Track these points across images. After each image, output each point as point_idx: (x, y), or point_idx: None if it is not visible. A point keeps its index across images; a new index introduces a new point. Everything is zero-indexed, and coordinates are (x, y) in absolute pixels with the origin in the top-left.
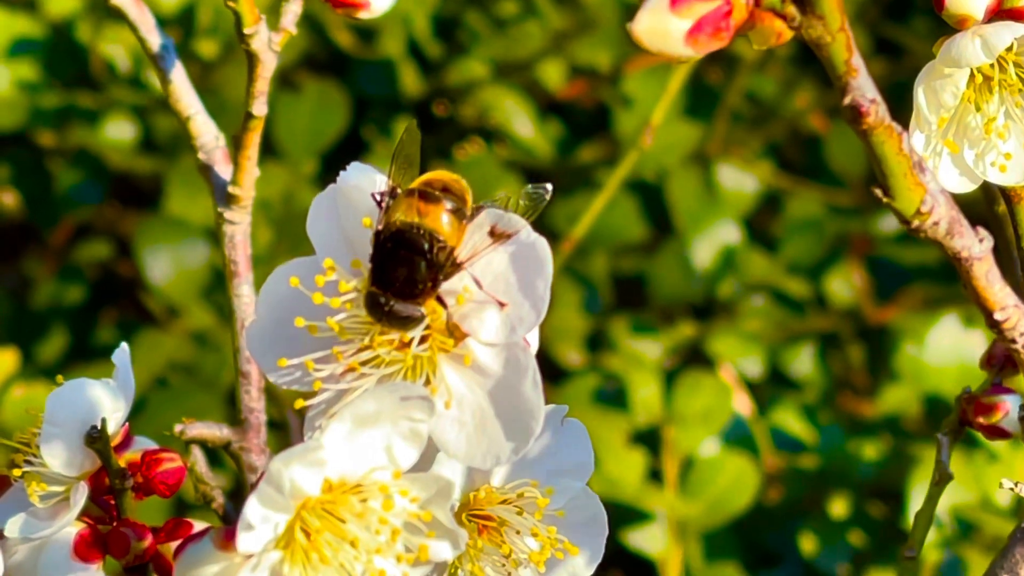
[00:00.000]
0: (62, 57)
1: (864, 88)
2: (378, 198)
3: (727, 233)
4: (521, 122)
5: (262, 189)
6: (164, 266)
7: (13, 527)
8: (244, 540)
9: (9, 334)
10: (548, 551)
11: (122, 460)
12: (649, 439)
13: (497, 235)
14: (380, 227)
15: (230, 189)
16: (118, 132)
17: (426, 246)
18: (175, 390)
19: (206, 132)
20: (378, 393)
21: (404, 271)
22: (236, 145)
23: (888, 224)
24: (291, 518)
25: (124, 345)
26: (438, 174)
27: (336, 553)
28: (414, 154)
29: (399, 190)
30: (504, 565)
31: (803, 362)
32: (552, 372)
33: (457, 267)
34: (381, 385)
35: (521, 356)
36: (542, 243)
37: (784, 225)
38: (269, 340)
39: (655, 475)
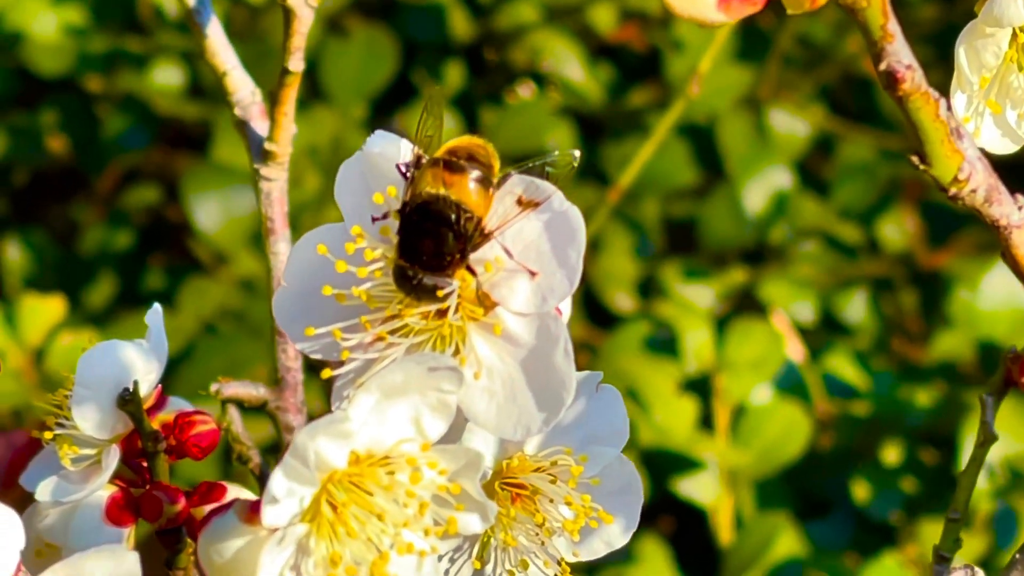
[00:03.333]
0: (110, 2)
1: (900, 53)
2: (403, 169)
3: (779, 178)
4: (572, 66)
5: (310, 134)
6: (212, 212)
7: (44, 490)
8: (269, 514)
9: (56, 281)
10: (582, 520)
11: (155, 422)
12: (700, 387)
13: (525, 203)
14: (406, 199)
15: (266, 145)
16: (166, 78)
17: (453, 217)
18: (223, 337)
19: (242, 87)
20: (406, 364)
21: (431, 244)
22: (273, 101)
23: None
24: (317, 491)
25: (157, 306)
26: (463, 141)
27: (363, 526)
28: (438, 121)
29: (423, 159)
30: (538, 534)
31: (855, 308)
32: (602, 318)
33: (485, 237)
34: (409, 355)
35: (552, 326)
36: (575, 212)
37: (836, 170)
38: (297, 308)
39: (706, 423)
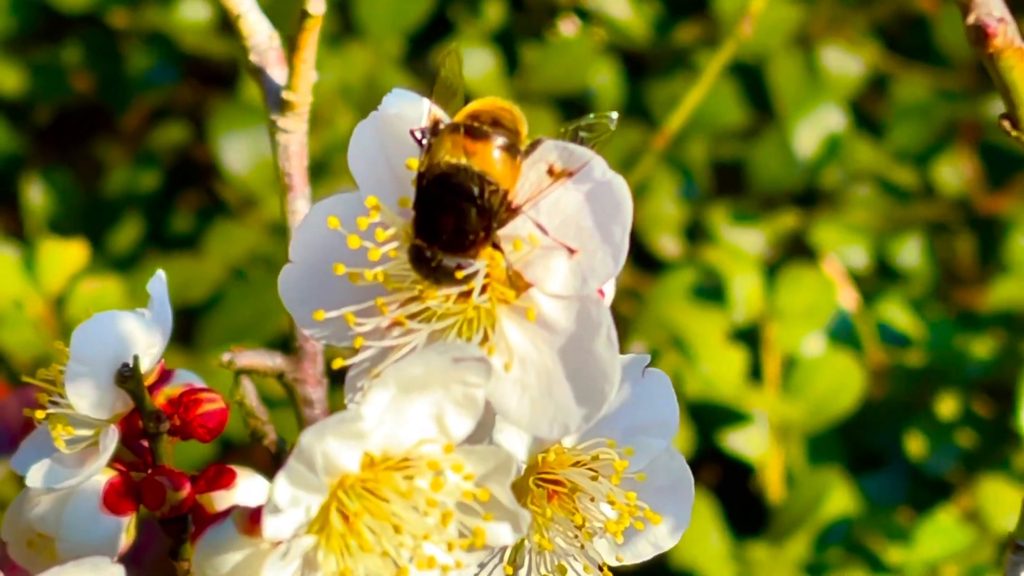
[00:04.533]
0: None
1: (991, 5)
2: (419, 135)
3: (831, 118)
4: (616, 2)
5: (343, 72)
6: (241, 153)
7: (36, 475)
8: (271, 524)
9: (79, 224)
10: (627, 520)
11: (160, 397)
12: (749, 336)
13: (558, 173)
14: (422, 169)
15: (284, 95)
16: (193, 13)
17: (475, 190)
18: (252, 284)
19: (258, 31)
20: (426, 354)
21: (451, 220)
22: (291, 46)
23: (1001, 109)
24: (326, 499)
25: (160, 273)
26: (486, 103)
27: (378, 539)
28: (458, 81)
29: (442, 125)
30: (577, 536)
31: (910, 253)
32: (647, 262)
33: (513, 212)
34: (430, 345)
35: (594, 310)
36: (619, 181)
37: (891, 110)
38: (305, 288)
39: (755, 374)
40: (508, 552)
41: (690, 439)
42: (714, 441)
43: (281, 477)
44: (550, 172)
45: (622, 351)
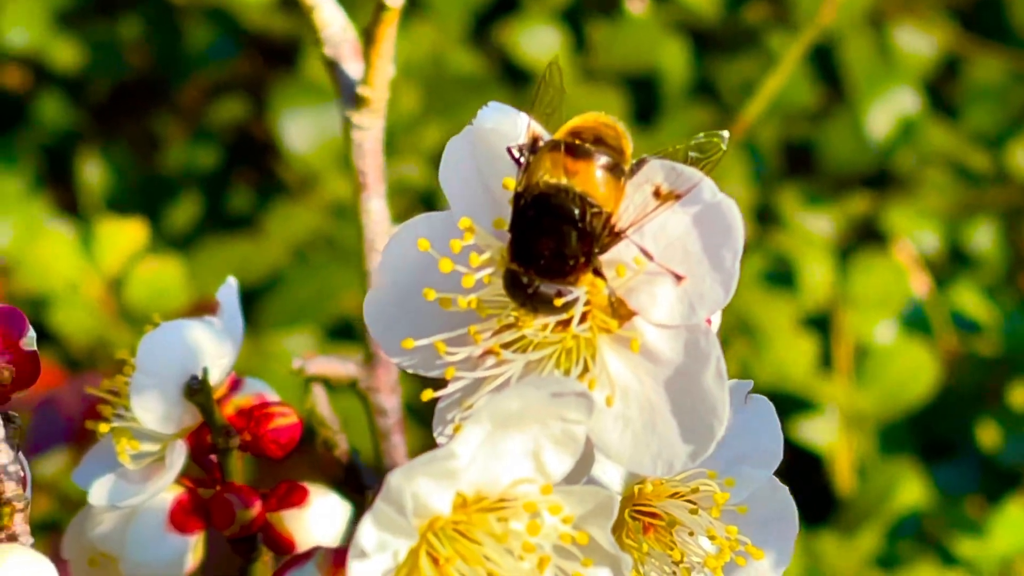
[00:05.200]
0: None
1: None
2: (516, 154)
3: (904, 100)
4: None
5: (408, 49)
6: (302, 131)
7: (100, 493)
8: (357, 570)
9: (136, 201)
10: (727, 555)
11: (230, 407)
12: (820, 323)
13: (665, 195)
14: (519, 190)
15: (360, 91)
16: None
17: (576, 212)
18: (313, 265)
19: (332, 23)
20: (523, 388)
21: (550, 244)
22: (367, 39)
23: None
24: (415, 543)
25: (231, 280)
26: (588, 119)
27: None
28: (558, 96)
29: (541, 142)
30: (674, 573)
31: (983, 239)
32: None
33: (616, 236)
34: (527, 378)
35: (703, 341)
36: (730, 204)
37: (964, 92)
38: (392, 313)
39: (826, 362)
40: None
41: None
42: (783, 429)
43: (367, 520)
44: (656, 194)
45: None
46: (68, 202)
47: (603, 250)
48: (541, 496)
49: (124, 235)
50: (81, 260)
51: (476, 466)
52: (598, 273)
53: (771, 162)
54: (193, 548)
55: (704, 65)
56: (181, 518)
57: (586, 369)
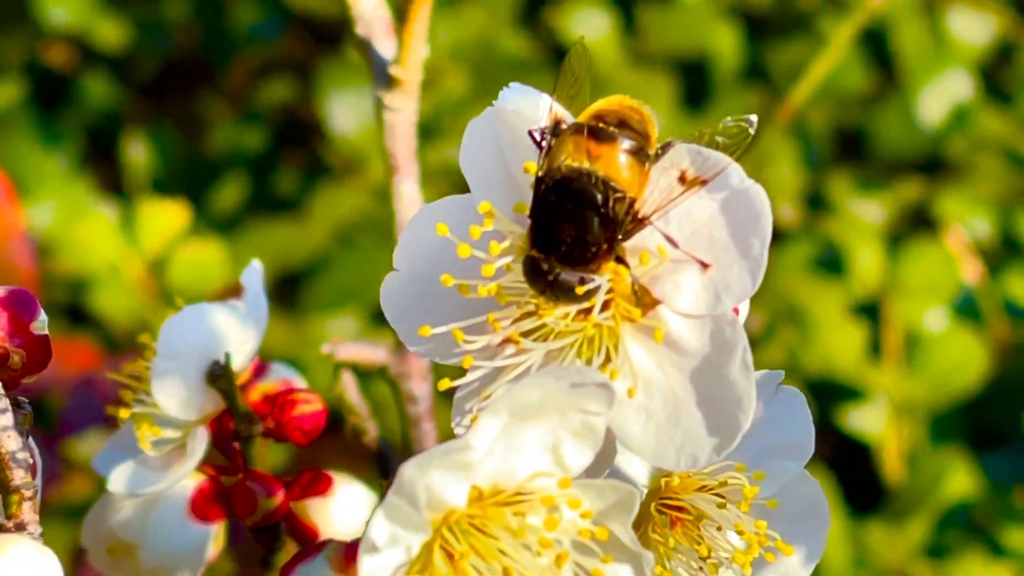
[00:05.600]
0: None
1: None
2: (537, 136)
3: (958, 85)
4: None
5: (456, 31)
6: (348, 115)
7: (119, 480)
8: (368, 565)
9: (180, 182)
10: (756, 550)
11: (256, 392)
12: (869, 311)
13: (691, 180)
14: (540, 174)
15: (392, 70)
16: None
17: (599, 197)
18: (358, 249)
19: (365, 0)
20: (542, 378)
21: (572, 230)
22: (400, 17)
23: None
24: (429, 537)
25: (256, 263)
26: (612, 102)
27: None
28: (583, 78)
29: (564, 125)
30: (701, 568)
31: None
32: None
33: (640, 222)
34: (546, 367)
35: (728, 331)
36: (758, 191)
37: (1020, 78)
38: (409, 299)
39: (875, 350)
40: None
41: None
42: (831, 418)
43: (379, 514)
44: (682, 179)
45: None
46: (112, 183)
47: (626, 237)
48: (559, 490)
49: (166, 217)
50: (122, 242)
51: (492, 458)
52: (621, 260)
53: (822, 147)
54: (214, 537)
55: (755, 49)
56: (202, 506)
57: (608, 359)
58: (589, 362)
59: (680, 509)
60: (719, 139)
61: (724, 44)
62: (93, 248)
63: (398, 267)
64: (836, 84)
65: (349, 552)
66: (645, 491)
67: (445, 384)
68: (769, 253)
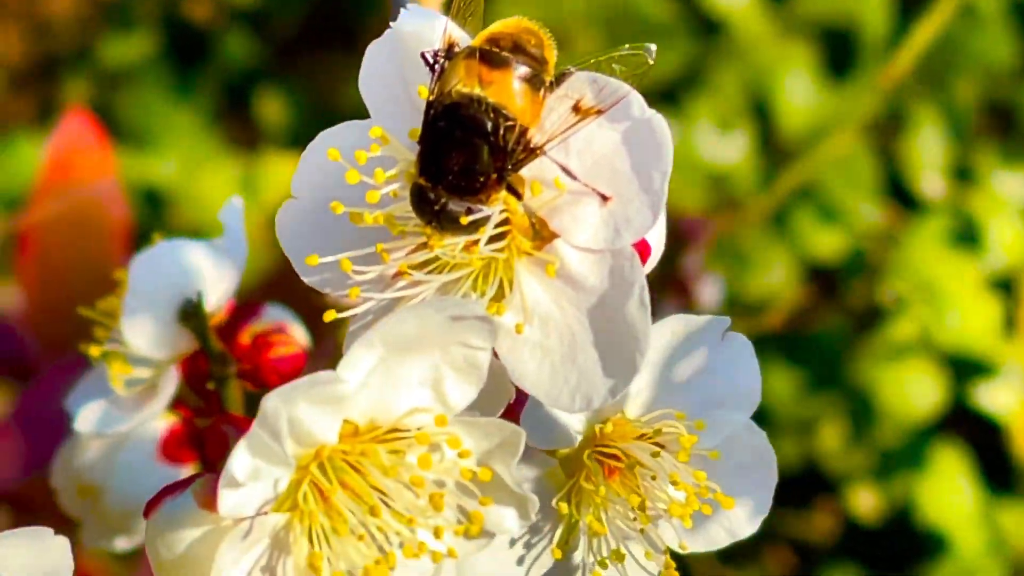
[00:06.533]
0: None
1: None
2: (429, 58)
3: None
4: None
5: None
6: None
7: (87, 419)
8: (228, 499)
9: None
10: (694, 503)
11: (247, 335)
12: (1005, 286)
13: (585, 109)
14: (431, 98)
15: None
16: None
17: (488, 125)
18: None
19: None
20: (420, 310)
21: (459, 158)
22: None
23: None
24: (297, 473)
25: (236, 198)
26: (509, 24)
27: (360, 520)
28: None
29: (458, 47)
30: (635, 519)
31: None
32: (906, 201)
33: (532, 152)
34: (425, 301)
35: (627, 267)
36: (659, 120)
37: None
38: (304, 228)
39: (1009, 325)
40: (559, 533)
41: (939, 391)
42: (963, 395)
43: (241, 445)
44: (577, 108)
45: (871, 296)
46: (246, 138)
47: (517, 167)
48: (436, 428)
49: (287, 171)
50: (242, 194)
51: (368, 392)
52: (513, 191)
53: (968, 120)
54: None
55: (906, 20)
56: (173, 448)
57: (503, 293)
58: (483, 295)
59: (614, 457)
60: (616, 67)
61: (873, 13)
62: (213, 200)
63: (295, 195)
64: (984, 56)
65: (216, 486)
66: (579, 438)
67: (330, 316)
68: (905, 222)
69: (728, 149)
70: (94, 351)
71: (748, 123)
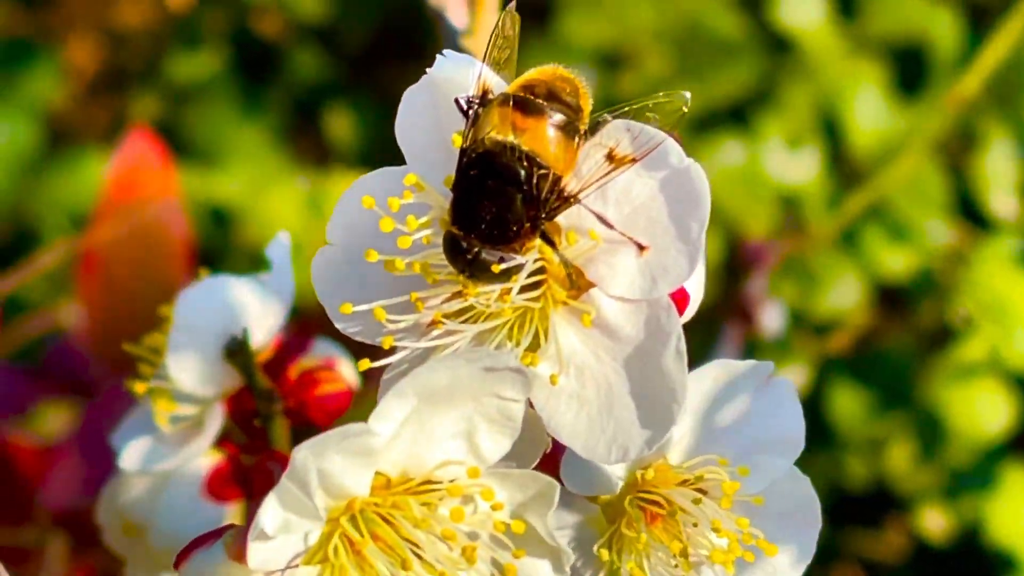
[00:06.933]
0: None
1: None
2: (463, 105)
3: None
4: None
5: (660, 9)
6: None
7: (131, 456)
8: (257, 553)
9: (385, 156)
10: (737, 549)
11: (296, 370)
12: None
13: (619, 158)
14: (465, 145)
15: (462, 41)
16: None
17: (523, 174)
18: None
19: None
20: (452, 361)
21: (492, 207)
22: None
23: None
24: (328, 525)
25: (283, 235)
26: (545, 72)
27: (392, 574)
28: (512, 45)
29: (491, 95)
30: (676, 566)
31: None
32: (977, 220)
33: (566, 201)
34: (459, 351)
35: (664, 317)
36: (698, 170)
37: None
38: (341, 275)
39: None
40: None
41: (1009, 411)
42: None
43: (271, 498)
44: (610, 157)
45: (940, 315)
46: (316, 155)
47: (551, 215)
48: (469, 479)
49: None
50: (308, 214)
51: (400, 444)
52: (547, 240)
53: None
54: (230, 518)
55: (977, 39)
56: (218, 486)
57: (538, 343)
58: (518, 345)
59: (656, 503)
60: (651, 115)
61: (943, 30)
62: (278, 219)
63: (331, 240)
64: None
65: (247, 538)
66: (620, 484)
67: (365, 365)
68: (976, 244)
69: (798, 168)
70: (139, 387)
71: (818, 141)
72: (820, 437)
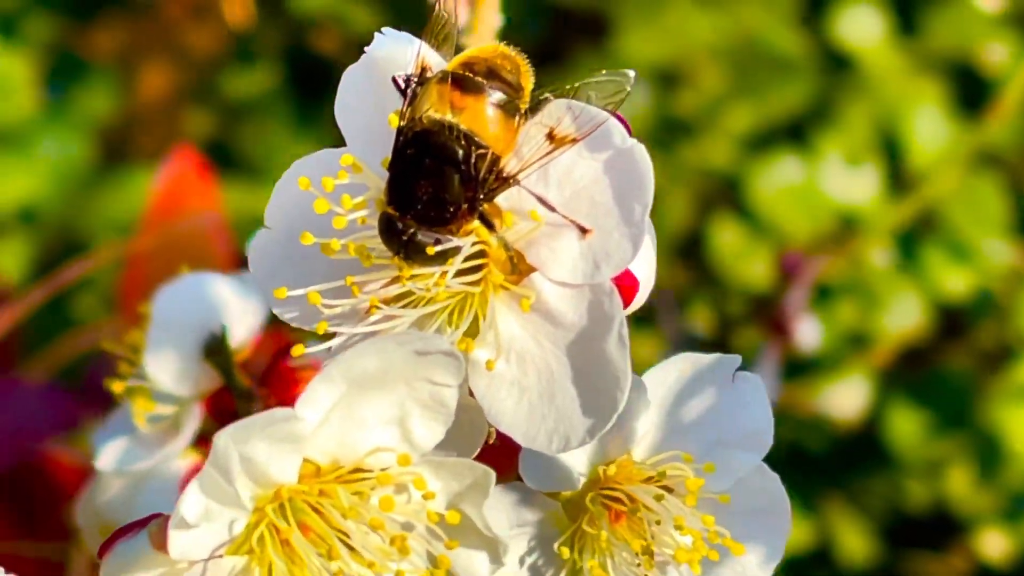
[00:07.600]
0: None
1: None
2: (401, 83)
3: None
4: None
5: (716, 25)
6: None
7: (108, 457)
8: (178, 541)
9: None
10: (702, 548)
11: (275, 370)
12: None
13: (560, 138)
14: (402, 124)
15: (463, 41)
16: None
17: (460, 153)
18: None
19: None
20: (381, 344)
21: (429, 187)
22: None
23: None
24: (254, 515)
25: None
26: (485, 50)
27: (320, 564)
28: (452, 22)
29: (429, 73)
30: (639, 565)
31: None
32: None
33: (504, 181)
34: (388, 335)
35: (606, 303)
36: (641, 150)
37: None
38: (278, 260)
39: None
40: None
41: None
42: None
43: (192, 485)
44: (551, 136)
45: (999, 335)
46: None
47: (489, 196)
48: (400, 467)
49: None
50: None
51: (329, 431)
52: (486, 222)
53: None
54: None
55: None
56: None
57: (478, 329)
58: (457, 330)
59: (619, 500)
60: (592, 94)
61: (1001, 53)
62: None
63: (268, 224)
64: None
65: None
66: (581, 480)
67: (299, 350)
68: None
69: (856, 186)
70: (117, 387)
71: (876, 160)
72: (878, 458)
